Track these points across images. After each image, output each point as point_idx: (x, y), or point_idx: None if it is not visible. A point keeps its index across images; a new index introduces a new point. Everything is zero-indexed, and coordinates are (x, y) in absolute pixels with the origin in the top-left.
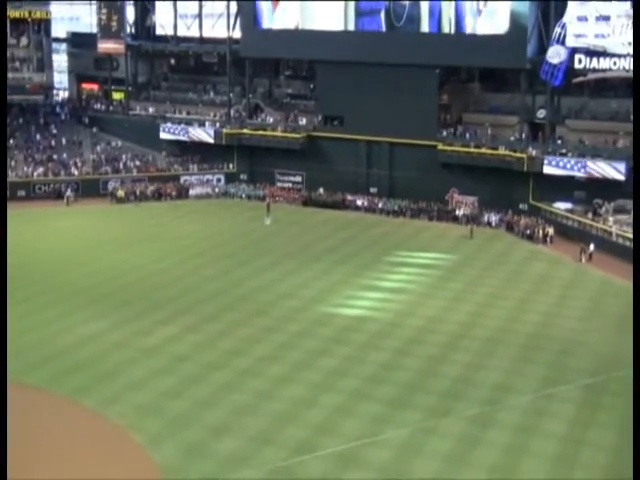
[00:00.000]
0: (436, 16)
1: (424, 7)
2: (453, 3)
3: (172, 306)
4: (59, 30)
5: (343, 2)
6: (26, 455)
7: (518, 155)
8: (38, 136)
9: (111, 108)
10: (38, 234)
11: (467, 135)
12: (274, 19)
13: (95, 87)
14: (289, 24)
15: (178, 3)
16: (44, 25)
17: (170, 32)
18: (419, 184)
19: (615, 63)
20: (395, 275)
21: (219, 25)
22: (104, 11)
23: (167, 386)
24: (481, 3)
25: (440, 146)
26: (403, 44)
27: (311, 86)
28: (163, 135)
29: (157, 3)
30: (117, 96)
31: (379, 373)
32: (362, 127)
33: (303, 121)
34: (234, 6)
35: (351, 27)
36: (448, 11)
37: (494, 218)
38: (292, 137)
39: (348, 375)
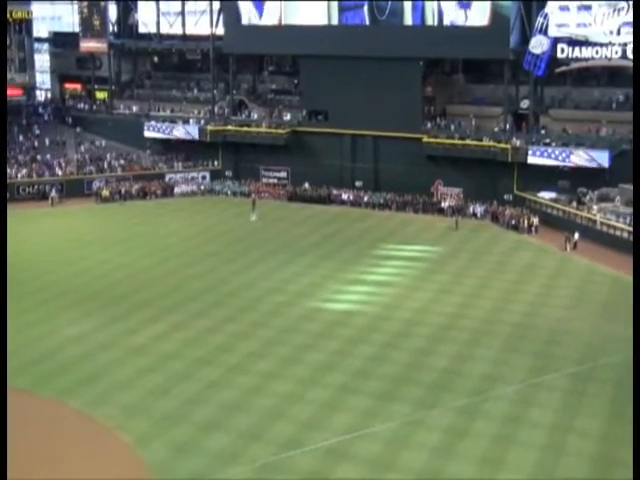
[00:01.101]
0: (419, 9)
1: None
2: None
3: (159, 304)
4: (41, 30)
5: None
6: (13, 457)
7: (502, 146)
8: (21, 137)
9: (94, 107)
10: (23, 236)
11: (452, 127)
12: (257, 15)
13: (78, 87)
14: (272, 20)
15: (160, 0)
16: (25, 25)
17: (153, 30)
18: (404, 177)
19: (597, 52)
20: (381, 268)
21: (202, 22)
22: (86, 10)
23: (155, 385)
24: None
25: (425, 138)
26: (386, 37)
27: (295, 81)
28: (147, 133)
29: (139, 1)
30: (100, 95)
31: (366, 367)
32: (346, 121)
33: (287, 116)
34: (217, 3)
35: (335, 22)
36: (431, 3)
37: (479, 209)
38: (277, 133)
39: (336, 369)
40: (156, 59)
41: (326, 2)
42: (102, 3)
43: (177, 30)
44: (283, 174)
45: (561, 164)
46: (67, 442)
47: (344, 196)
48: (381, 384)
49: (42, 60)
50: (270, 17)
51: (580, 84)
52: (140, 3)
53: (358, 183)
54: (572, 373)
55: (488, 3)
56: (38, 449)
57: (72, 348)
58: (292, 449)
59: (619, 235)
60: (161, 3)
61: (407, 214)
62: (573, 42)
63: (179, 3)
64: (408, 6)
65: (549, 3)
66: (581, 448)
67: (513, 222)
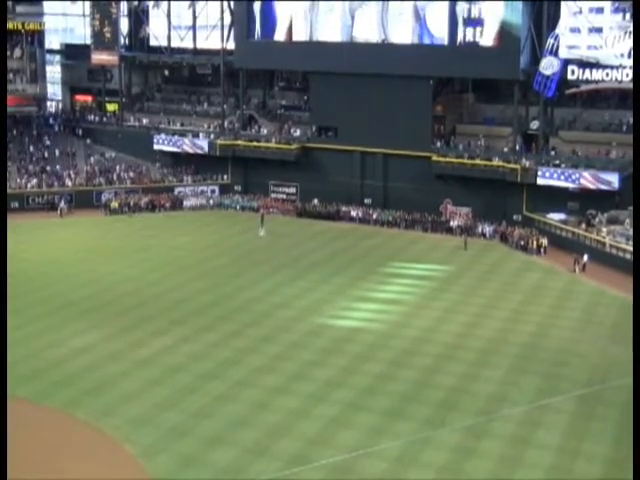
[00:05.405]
0: (430, 27)
1: (418, 18)
2: (447, 14)
3: (166, 317)
4: (53, 41)
5: (342, 14)
6: (19, 469)
7: (512, 166)
8: (32, 148)
9: (105, 119)
10: (31, 246)
11: (461, 146)
12: (269, 30)
13: (89, 98)
14: (283, 36)
15: (172, 14)
16: (38, 36)
17: (164, 43)
18: (413, 195)
19: (608, 74)
20: (389, 286)
21: (213, 36)
22: (98, 22)
23: (161, 397)
24: (474, 14)
25: (434, 157)
26: (397, 55)
27: (305, 97)
28: (157, 146)
29: (151, 14)
30: (111, 107)
31: (374, 384)
32: (356, 138)
33: (297, 132)
34: (228, 17)
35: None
36: (442, 22)
37: (488, 229)
38: (286, 148)
39: (343, 386)
40: (167, 72)
41: (341, 18)
42: (113, 16)
43: (188, 44)
44: (292, 190)
45: (571, 186)
46: (73, 453)
47: (353, 213)
48: (388, 402)
49: (53, 71)
50: (280, 33)
51: (590, 106)
52: (151, 16)
53: (367, 200)
54: (580, 395)
55: (499, 23)
56: (44, 459)
57: (79, 359)
58: (298, 465)
59: (628, 258)
60: (172, 17)
61: (416, 232)
62: (584, 64)
63: (190, 17)
64: (419, 24)
65: (560, 25)
66: (587, 471)
67: (522, 243)
